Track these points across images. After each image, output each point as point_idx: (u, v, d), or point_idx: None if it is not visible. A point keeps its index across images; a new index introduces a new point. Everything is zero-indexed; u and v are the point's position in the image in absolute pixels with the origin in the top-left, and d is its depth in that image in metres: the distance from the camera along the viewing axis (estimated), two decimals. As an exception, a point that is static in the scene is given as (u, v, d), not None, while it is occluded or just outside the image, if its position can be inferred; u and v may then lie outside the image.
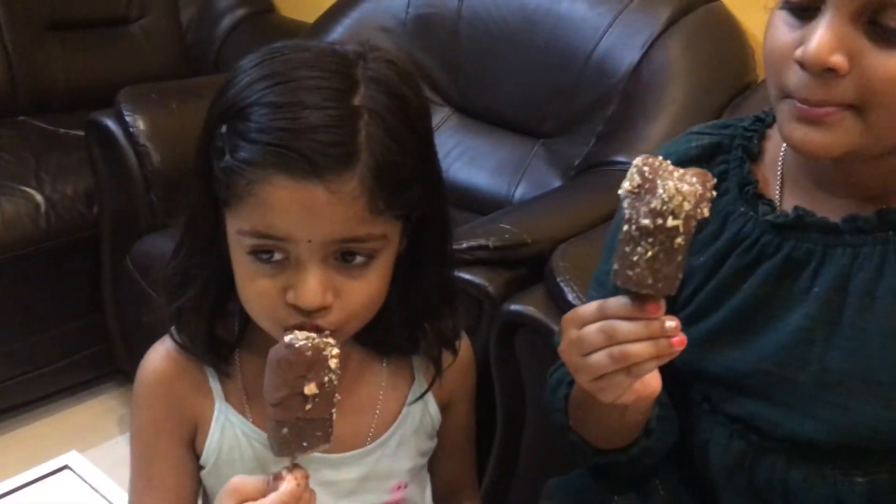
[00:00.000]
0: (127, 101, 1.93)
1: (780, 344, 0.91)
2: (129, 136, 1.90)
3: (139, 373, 0.95)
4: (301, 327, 0.80)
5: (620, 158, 1.73)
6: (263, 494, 0.78)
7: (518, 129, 1.99)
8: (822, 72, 0.79)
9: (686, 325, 0.81)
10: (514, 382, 1.42)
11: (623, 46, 1.82)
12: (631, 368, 0.78)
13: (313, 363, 0.77)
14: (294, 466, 0.80)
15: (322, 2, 2.24)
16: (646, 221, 0.74)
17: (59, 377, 2.15)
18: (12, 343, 2.03)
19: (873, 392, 0.87)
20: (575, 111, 1.88)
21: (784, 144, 0.93)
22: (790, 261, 0.91)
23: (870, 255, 0.88)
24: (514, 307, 1.36)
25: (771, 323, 0.92)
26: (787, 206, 0.93)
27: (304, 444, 0.79)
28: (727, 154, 0.97)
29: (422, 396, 0.99)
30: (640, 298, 0.77)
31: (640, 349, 0.77)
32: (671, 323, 0.77)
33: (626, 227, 0.76)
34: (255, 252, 0.82)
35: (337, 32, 2.11)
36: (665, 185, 0.74)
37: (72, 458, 1.54)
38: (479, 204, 1.90)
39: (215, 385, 0.94)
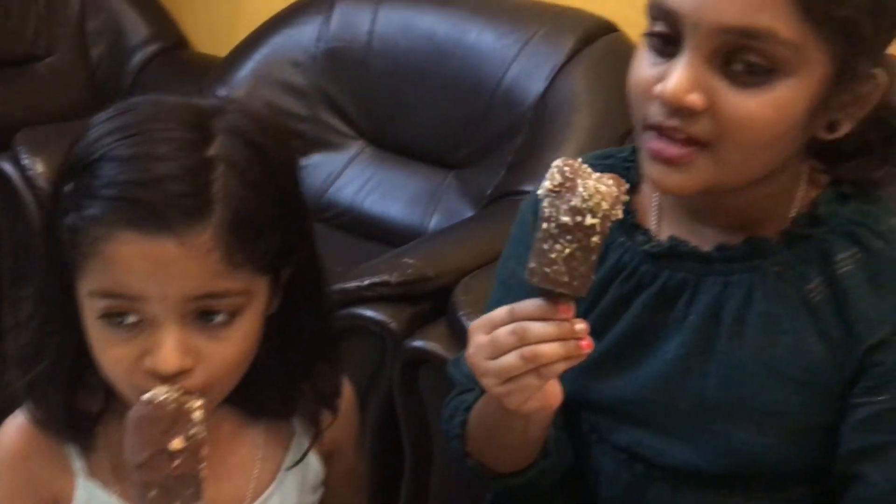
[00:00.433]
0: (24, 144, 1.88)
1: (659, 373, 0.91)
2: (27, 179, 1.85)
3: None
4: None
5: (527, 188, 1.72)
6: None
7: (431, 159, 1.98)
8: (679, 109, 0.80)
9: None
10: (419, 417, 1.41)
11: (529, 77, 1.84)
12: (540, 370, 0.79)
13: (176, 417, 0.75)
14: None
15: (236, 37, 2.22)
16: (566, 219, 0.76)
17: None
18: None
19: (749, 418, 0.88)
20: (486, 141, 1.89)
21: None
22: (666, 290, 0.92)
23: (739, 283, 0.89)
24: (416, 343, 1.36)
25: (650, 352, 0.92)
26: (664, 235, 0.93)
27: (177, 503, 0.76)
28: None
29: (301, 459, 0.94)
30: (552, 299, 0.78)
31: (551, 349, 0.78)
32: (581, 325, 0.79)
33: (545, 226, 0.77)
34: (108, 315, 0.77)
35: (247, 68, 2.09)
36: (585, 184, 0.77)
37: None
38: (394, 236, 1.89)
39: (76, 461, 0.88)
